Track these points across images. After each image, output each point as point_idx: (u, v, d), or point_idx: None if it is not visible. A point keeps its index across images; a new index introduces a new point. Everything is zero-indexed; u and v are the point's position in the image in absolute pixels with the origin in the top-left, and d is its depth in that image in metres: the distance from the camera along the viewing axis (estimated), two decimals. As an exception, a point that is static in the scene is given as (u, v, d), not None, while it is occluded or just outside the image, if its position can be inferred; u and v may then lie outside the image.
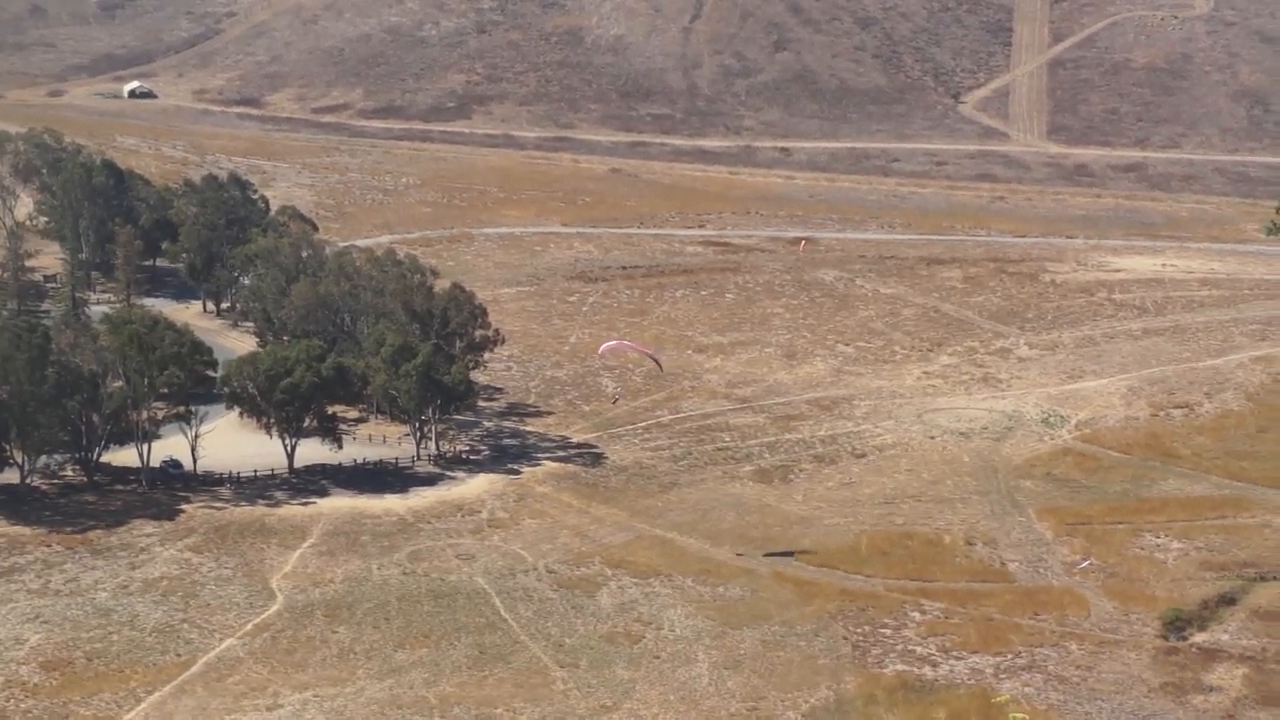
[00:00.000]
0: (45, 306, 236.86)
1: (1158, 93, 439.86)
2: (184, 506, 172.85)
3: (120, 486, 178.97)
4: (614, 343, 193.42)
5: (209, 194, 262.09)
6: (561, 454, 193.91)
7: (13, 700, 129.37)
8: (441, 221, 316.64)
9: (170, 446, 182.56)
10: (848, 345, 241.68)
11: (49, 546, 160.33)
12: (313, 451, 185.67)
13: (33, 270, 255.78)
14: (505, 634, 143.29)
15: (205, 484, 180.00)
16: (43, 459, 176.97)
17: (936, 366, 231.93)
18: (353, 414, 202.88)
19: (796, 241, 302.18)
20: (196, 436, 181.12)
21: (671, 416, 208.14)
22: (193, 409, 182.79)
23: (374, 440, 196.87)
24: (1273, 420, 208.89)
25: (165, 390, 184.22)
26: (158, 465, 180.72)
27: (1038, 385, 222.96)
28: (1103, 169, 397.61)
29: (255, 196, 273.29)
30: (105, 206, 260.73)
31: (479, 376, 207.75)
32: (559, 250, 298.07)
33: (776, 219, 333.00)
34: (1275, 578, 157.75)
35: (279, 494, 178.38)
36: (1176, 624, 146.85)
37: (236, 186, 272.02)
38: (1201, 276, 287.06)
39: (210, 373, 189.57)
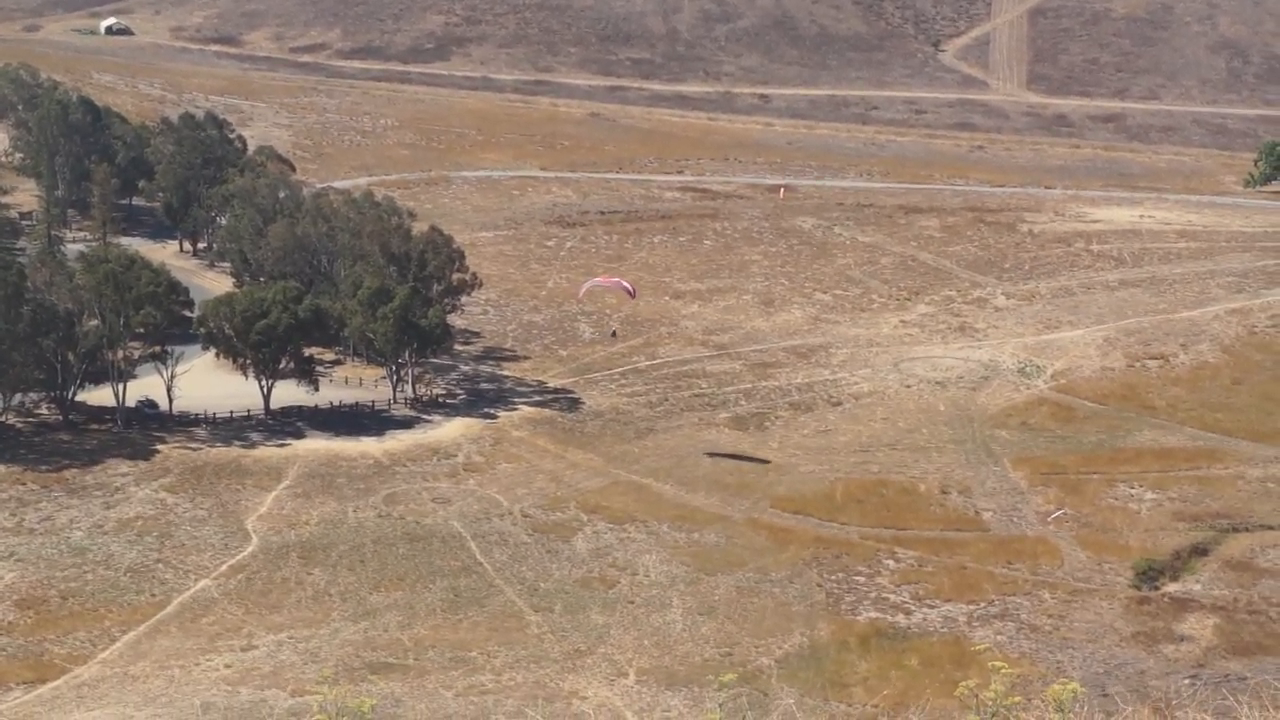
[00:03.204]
0: (20, 244, 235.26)
1: (1137, 43, 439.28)
2: (159, 447, 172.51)
3: (95, 426, 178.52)
4: (589, 283, 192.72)
5: (186, 133, 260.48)
6: (538, 399, 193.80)
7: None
8: (419, 164, 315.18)
9: (146, 386, 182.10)
10: (825, 293, 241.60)
11: (23, 485, 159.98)
12: (289, 393, 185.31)
13: (8, 207, 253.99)
14: (480, 578, 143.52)
15: (181, 424, 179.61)
16: (17, 397, 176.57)
17: (913, 315, 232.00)
18: (329, 356, 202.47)
19: (775, 188, 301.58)
20: (172, 376, 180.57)
21: (648, 363, 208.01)
22: (168, 349, 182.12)
23: (350, 383, 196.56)
24: (1247, 372, 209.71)
25: (141, 330, 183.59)
26: (133, 405, 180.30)
27: (1014, 335, 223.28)
28: (1081, 119, 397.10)
29: (232, 136, 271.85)
30: (81, 144, 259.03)
31: (456, 320, 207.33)
32: (537, 194, 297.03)
33: (755, 165, 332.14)
34: (1248, 528, 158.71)
35: (255, 435, 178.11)
36: (1149, 574, 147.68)
37: (214, 125, 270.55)
38: (1179, 228, 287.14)
39: (186, 313, 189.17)
